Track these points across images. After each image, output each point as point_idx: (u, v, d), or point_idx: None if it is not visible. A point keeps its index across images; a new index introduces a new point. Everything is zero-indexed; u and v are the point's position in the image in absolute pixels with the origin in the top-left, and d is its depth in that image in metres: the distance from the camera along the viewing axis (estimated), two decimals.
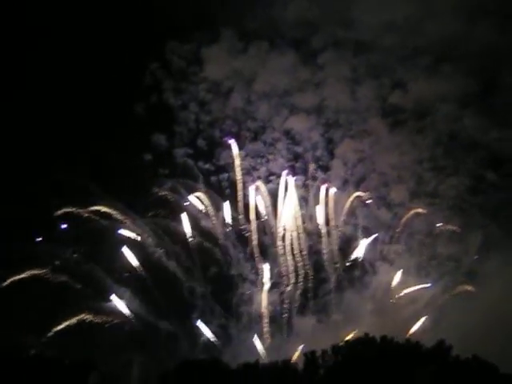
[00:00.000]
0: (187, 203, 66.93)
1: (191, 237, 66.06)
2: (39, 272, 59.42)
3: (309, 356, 47.13)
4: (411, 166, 70.27)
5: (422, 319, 64.06)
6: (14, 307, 56.61)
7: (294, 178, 69.67)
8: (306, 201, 70.59)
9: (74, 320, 59.47)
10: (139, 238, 64.75)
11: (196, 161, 69.69)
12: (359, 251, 69.17)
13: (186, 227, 65.91)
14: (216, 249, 67.95)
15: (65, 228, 62.30)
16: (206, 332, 64.74)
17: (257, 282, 68.09)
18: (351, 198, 69.96)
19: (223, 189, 69.45)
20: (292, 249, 68.62)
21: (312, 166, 71.08)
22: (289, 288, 67.76)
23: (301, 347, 59.77)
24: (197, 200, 67.38)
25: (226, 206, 67.64)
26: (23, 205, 58.83)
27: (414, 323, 63.33)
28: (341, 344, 46.33)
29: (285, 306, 67.24)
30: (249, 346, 64.51)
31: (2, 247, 55.52)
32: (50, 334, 58.43)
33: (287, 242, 68.60)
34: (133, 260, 63.23)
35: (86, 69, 64.52)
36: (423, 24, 69.21)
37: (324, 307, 67.88)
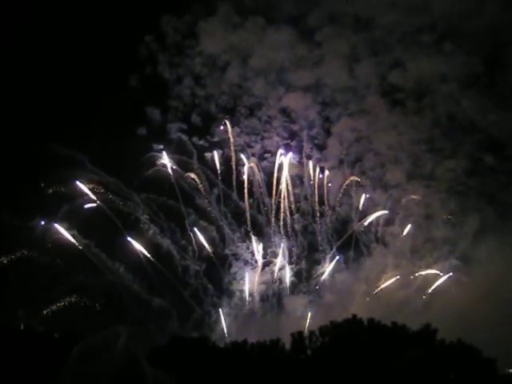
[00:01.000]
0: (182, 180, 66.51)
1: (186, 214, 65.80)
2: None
3: (296, 336, 47.06)
4: (408, 147, 69.18)
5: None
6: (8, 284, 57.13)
7: (289, 156, 68.92)
8: (301, 180, 70.12)
9: (66, 299, 59.57)
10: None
11: (190, 136, 68.79)
12: (353, 232, 68.71)
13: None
14: (211, 227, 67.80)
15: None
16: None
17: (250, 261, 67.94)
18: (347, 182, 69.27)
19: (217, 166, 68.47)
20: (286, 228, 68.37)
21: (307, 145, 70.30)
22: (282, 268, 67.61)
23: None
24: (191, 178, 66.93)
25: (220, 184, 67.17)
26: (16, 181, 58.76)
27: (406, 307, 62.88)
28: (328, 325, 46.05)
29: (277, 285, 67.18)
30: (240, 324, 64.51)
31: None
32: (44, 311, 58.54)
33: (281, 221, 68.32)
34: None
35: (80, 39, 63.35)
36: (428, 1, 67.58)
37: (316, 288, 67.73)
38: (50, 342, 43.88)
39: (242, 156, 68.55)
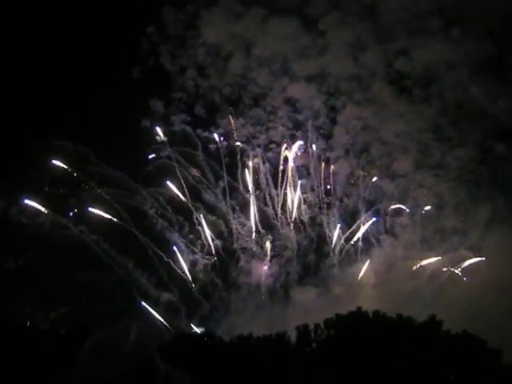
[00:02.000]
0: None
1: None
2: None
3: (301, 329, 46.53)
4: (416, 136, 67.70)
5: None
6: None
7: (295, 146, 68.12)
8: (308, 170, 69.32)
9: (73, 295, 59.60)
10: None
11: (194, 128, 68.18)
12: (363, 224, 67.80)
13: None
14: (220, 221, 67.34)
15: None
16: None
17: (257, 254, 67.45)
18: (355, 173, 68.40)
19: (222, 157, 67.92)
20: (293, 220, 67.73)
21: (313, 135, 69.37)
22: (289, 260, 67.09)
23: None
24: (196, 170, 66.46)
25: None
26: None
27: (415, 298, 61.88)
28: (333, 318, 45.44)
29: (284, 277, 66.64)
30: (246, 317, 64.06)
31: None
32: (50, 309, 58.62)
33: (288, 213, 67.70)
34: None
35: (81, 33, 63.02)
36: None
37: (325, 280, 67.05)
38: (56, 339, 43.91)
39: (247, 147, 68.08)
